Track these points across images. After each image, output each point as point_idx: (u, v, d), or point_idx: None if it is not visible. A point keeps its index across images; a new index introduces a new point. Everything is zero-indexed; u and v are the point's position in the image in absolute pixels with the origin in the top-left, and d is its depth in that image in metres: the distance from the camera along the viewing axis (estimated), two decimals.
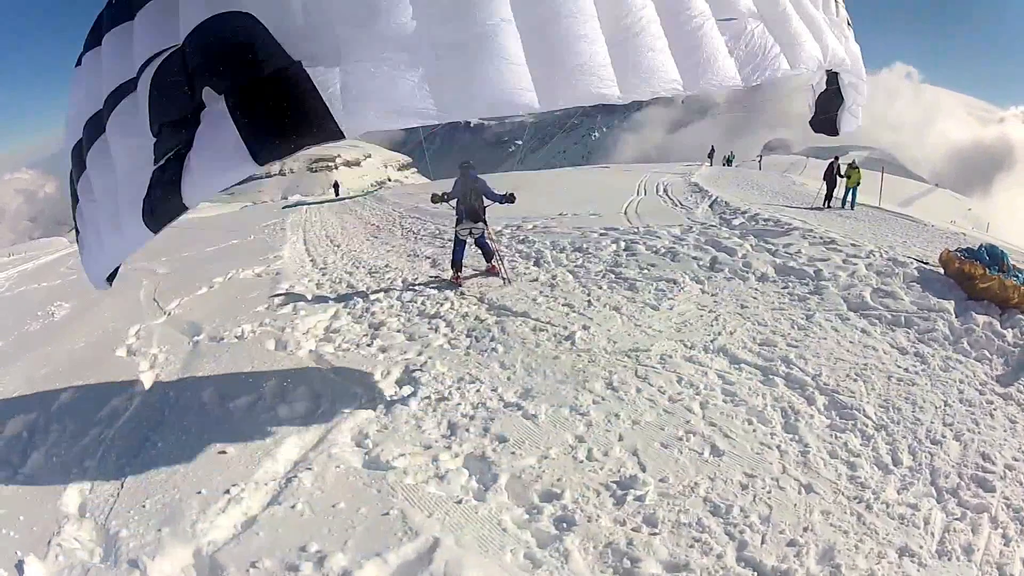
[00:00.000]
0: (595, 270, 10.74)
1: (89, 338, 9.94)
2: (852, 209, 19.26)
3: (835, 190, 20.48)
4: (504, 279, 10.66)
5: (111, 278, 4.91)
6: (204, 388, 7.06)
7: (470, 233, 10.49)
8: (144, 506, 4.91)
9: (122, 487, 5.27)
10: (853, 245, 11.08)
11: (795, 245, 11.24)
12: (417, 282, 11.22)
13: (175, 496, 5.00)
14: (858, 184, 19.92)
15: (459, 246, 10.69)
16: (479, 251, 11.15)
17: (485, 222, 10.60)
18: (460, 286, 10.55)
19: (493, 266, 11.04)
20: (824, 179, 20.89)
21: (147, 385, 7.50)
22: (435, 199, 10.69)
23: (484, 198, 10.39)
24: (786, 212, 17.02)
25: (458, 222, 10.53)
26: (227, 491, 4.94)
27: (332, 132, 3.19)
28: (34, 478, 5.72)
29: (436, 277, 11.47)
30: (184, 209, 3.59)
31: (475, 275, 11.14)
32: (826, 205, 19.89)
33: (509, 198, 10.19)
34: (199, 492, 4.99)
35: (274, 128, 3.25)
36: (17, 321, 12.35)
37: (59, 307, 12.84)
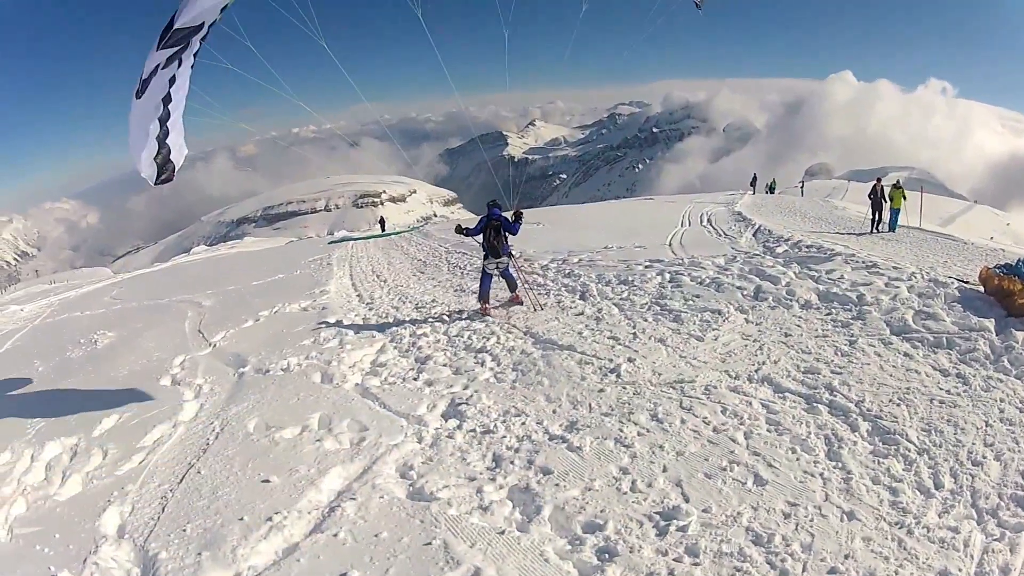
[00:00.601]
0: (640, 302, 10.71)
1: (133, 367, 10.22)
2: (894, 231, 18.91)
3: (881, 213, 20.02)
4: (531, 307, 11.10)
5: (161, 177, 7.17)
6: (249, 418, 7.20)
7: (496, 267, 11.01)
8: (185, 530, 5.02)
9: (163, 511, 5.40)
10: (895, 268, 10.90)
11: (838, 271, 11.07)
12: (463, 317, 11.32)
13: (217, 521, 5.09)
14: (904, 199, 19.53)
15: (485, 279, 11.17)
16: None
17: (509, 255, 11.13)
18: (488, 315, 10.89)
19: (516, 296, 11.46)
20: (870, 203, 20.44)
21: (191, 414, 7.69)
22: (458, 230, 11.38)
23: (506, 234, 10.92)
24: (828, 238, 16.77)
25: (484, 257, 11.05)
26: (269, 518, 5.02)
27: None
28: (73, 499, 5.90)
29: (474, 311, 11.57)
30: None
31: (499, 306, 11.36)
32: (873, 229, 19.47)
33: (518, 216, 10.93)
34: (241, 519, 5.07)
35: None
36: (58, 347, 12.72)
37: (102, 335, 13.13)
